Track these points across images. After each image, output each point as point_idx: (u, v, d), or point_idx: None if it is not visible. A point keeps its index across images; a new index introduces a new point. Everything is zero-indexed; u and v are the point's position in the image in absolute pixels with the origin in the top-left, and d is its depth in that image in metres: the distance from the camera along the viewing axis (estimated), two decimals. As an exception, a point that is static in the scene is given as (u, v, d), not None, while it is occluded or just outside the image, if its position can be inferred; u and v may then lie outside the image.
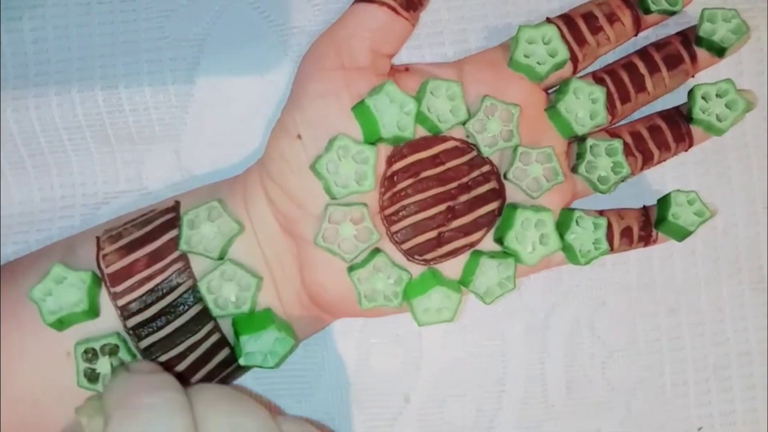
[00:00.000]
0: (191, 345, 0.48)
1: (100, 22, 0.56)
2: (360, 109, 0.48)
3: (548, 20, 0.52)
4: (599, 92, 0.50)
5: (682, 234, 0.52)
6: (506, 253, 0.50)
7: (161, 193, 0.56)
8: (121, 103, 0.55)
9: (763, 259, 0.58)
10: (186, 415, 0.36)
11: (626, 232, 0.53)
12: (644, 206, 0.54)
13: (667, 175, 0.57)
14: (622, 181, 0.52)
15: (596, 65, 0.54)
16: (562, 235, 0.50)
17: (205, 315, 0.48)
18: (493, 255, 0.50)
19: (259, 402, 0.43)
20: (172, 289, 0.48)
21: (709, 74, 0.55)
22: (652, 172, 0.57)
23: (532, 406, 0.57)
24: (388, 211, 0.50)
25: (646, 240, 0.53)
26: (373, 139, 0.48)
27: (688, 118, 0.54)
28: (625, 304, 0.58)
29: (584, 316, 0.58)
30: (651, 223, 0.53)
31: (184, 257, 0.49)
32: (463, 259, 0.51)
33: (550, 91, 0.53)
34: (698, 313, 0.58)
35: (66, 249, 0.50)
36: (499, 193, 0.51)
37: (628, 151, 0.53)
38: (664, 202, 0.53)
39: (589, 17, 0.52)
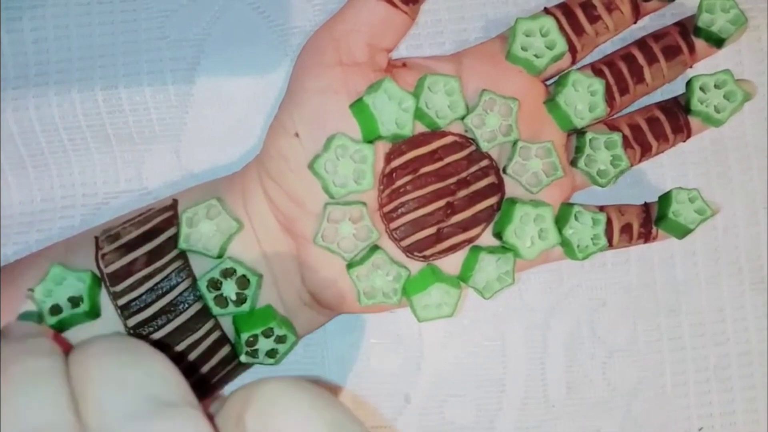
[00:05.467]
0: (192, 343, 0.49)
1: (100, 22, 0.56)
2: (358, 107, 0.48)
3: (546, 10, 0.52)
4: (598, 84, 0.50)
5: (682, 231, 0.52)
6: (505, 248, 0.50)
7: (161, 192, 0.56)
8: (121, 103, 0.55)
9: (764, 259, 0.58)
10: (63, 378, 0.30)
11: (626, 229, 0.53)
12: (645, 203, 0.54)
13: (667, 175, 0.57)
14: (621, 174, 0.52)
15: (594, 54, 0.54)
16: (560, 230, 0.50)
17: (205, 313, 0.49)
18: (492, 250, 0.50)
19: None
20: (171, 288, 0.48)
21: (708, 65, 0.55)
22: (652, 172, 0.57)
23: (533, 406, 0.57)
24: (387, 209, 0.50)
25: (646, 237, 0.53)
26: (371, 137, 0.48)
27: (686, 109, 0.54)
28: (626, 304, 0.58)
29: (584, 316, 0.57)
30: (651, 219, 0.53)
31: (183, 255, 0.49)
32: (462, 254, 0.51)
33: (548, 82, 0.53)
34: (699, 313, 0.58)
35: (65, 250, 0.50)
36: (498, 188, 0.51)
37: (626, 143, 0.53)
38: (665, 199, 0.52)
39: (587, 6, 0.52)
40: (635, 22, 0.53)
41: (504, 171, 0.51)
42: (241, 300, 0.48)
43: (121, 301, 0.48)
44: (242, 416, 0.28)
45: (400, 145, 0.50)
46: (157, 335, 0.48)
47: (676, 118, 0.54)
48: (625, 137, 0.53)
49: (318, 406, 0.28)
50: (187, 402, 0.27)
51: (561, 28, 0.51)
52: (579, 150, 0.52)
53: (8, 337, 0.35)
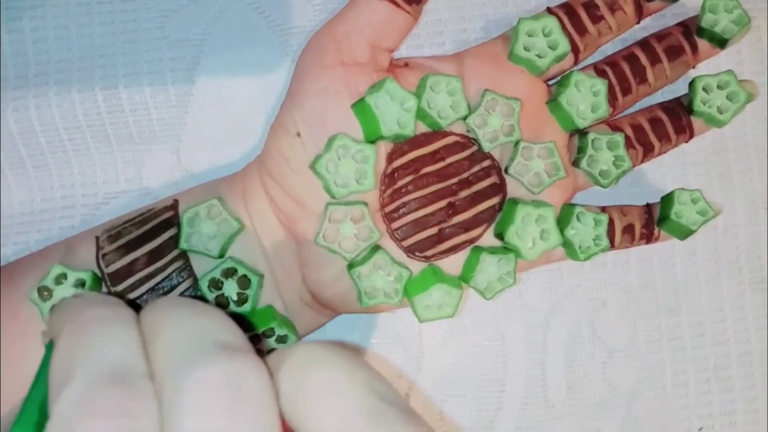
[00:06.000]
0: None
1: (100, 22, 0.56)
2: (360, 107, 0.48)
3: (548, 10, 0.52)
4: (601, 85, 0.50)
5: (684, 233, 0.52)
6: (506, 249, 0.50)
7: (161, 192, 0.56)
8: (121, 103, 0.55)
9: (764, 259, 0.58)
10: (135, 326, 0.32)
11: (628, 229, 0.53)
12: (647, 204, 0.54)
13: (667, 176, 0.57)
14: (623, 174, 0.52)
15: (596, 55, 0.54)
16: (562, 231, 0.50)
17: None
18: (493, 250, 0.50)
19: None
20: (172, 288, 0.48)
21: (709, 66, 0.55)
22: (653, 172, 0.57)
23: (533, 406, 0.57)
24: (388, 209, 0.50)
25: (648, 238, 0.53)
26: (373, 137, 0.48)
27: (689, 110, 0.54)
28: (626, 304, 0.58)
29: (585, 316, 0.57)
30: (653, 220, 0.53)
31: (183, 255, 0.49)
32: (463, 255, 0.51)
33: (551, 82, 0.53)
34: (699, 313, 0.58)
35: (65, 249, 0.50)
36: (499, 188, 0.51)
37: (628, 144, 0.53)
38: (667, 200, 0.52)
39: (590, 6, 0.52)
40: (638, 22, 0.53)
41: (506, 171, 0.51)
42: (242, 300, 0.48)
43: None
44: (275, 376, 0.28)
45: (402, 145, 0.50)
46: (158, 336, 0.48)
47: (678, 118, 0.54)
48: (627, 138, 0.53)
49: (349, 365, 0.29)
50: (249, 350, 0.28)
51: (564, 28, 0.51)
52: (581, 150, 0.52)
53: (82, 295, 0.35)
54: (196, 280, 0.48)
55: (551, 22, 0.50)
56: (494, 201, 0.51)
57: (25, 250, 0.55)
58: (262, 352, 0.49)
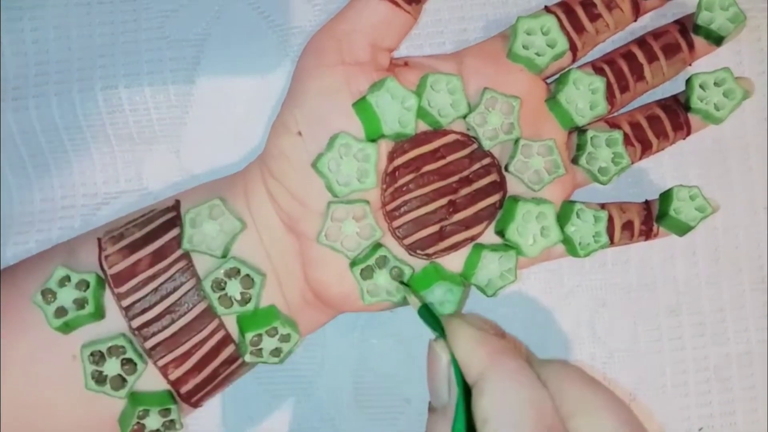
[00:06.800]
0: (196, 343, 0.48)
1: (100, 22, 0.56)
2: (361, 106, 0.48)
3: (546, 9, 0.52)
4: (599, 82, 0.51)
5: (683, 229, 0.52)
6: (507, 246, 0.50)
7: (161, 192, 0.56)
8: (121, 103, 0.55)
9: (764, 259, 0.58)
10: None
11: (627, 226, 0.53)
12: (646, 200, 0.54)
13: (667, 175, 0.57)
14: (622, 171, 0.52)
15: (594, 53, 0.54)
16: (562, 228, 0.50)
17: (209, 313, 0.48)
18: (494, 248, 0.50)
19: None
20: (175, 289, 0.48)
21: (709, 65, 0.55)
22: (653, 172, 0.57)
23: (533, 406, 0.57)
24: (389, 207, 0.50)
25: (647, 234, 0.53)
26: (375, 136, 0.48)
27: (686, 107, 0.54)
28: (626, 305, 0.58)
29: (585, 317, 0.58)
30: (652, 217, 0.53)
31: (186, 256, 0.48)
32: (464, 252, 0.51)
33: (549, 80, 0.54)
34: (699, 313, 0.58)
35: (67, 251, 0.50)
36: (500, 186, 0.51)
37: (627, 141, 0.53)
38: (666, 196, 0.53)
39: (587, 4, 0.52)
40: (635, 20, 0.54)
41: (506, 169, 0.51)
42: (245, 300, 0.48)
43: (126, 302, 0.48)
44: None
45: (403, 143, 0.50)
46: (161, 336, 0.48)
47: (676, 115, 0.54)
48: (625, 135, 0.53)
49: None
50: None
51: (562, 26, 0.51)
52: (580, 148, 0.52)
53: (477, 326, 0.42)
54: (199, 281, 0.48)
55: (549, 21, 0.50)
56: (494, 198, 0.51)
57: (26, 250, 0.55)
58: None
